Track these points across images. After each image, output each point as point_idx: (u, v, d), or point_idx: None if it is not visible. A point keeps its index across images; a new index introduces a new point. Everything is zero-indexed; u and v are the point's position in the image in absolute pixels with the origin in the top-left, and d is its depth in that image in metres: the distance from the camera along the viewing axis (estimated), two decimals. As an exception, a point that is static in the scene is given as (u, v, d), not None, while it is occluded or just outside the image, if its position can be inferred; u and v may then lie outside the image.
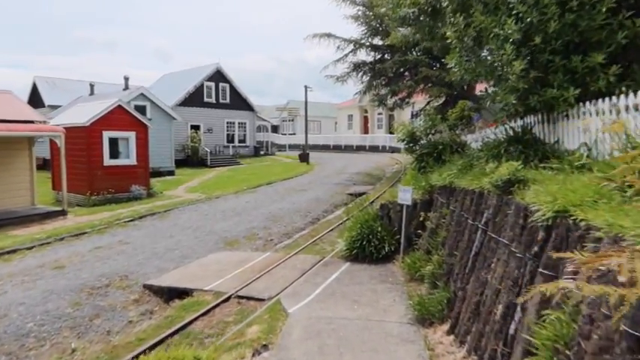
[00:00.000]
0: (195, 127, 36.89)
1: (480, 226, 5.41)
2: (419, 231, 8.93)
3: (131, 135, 19.24)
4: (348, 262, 8.90)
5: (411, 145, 12.80)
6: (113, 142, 18.83)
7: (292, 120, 59.65)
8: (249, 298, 7.35)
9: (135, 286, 8.49)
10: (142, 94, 28.87)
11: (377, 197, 16.45)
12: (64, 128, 18.86)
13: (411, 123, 13.45)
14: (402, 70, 24.06)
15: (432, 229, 7.84)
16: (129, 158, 19.24)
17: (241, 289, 7.70)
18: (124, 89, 31.04)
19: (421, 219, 8.93)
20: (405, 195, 8.51)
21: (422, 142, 12.67)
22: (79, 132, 18.05)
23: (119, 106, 18.95)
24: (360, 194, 18.06)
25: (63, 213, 15.15)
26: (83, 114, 18.98)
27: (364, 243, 8.87)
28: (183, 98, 36.17)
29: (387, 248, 8.83)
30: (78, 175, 18.46)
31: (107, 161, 18.48)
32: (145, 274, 9.02)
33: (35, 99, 38.65)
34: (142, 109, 28.72)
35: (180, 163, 33.67)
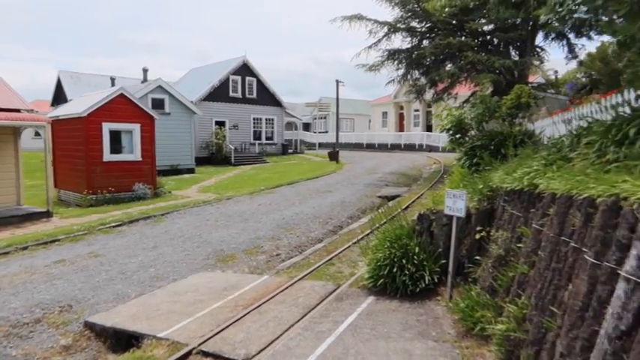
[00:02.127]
0: (220, 123, 34.98)
1: (624, 274, 2.70)
2: (475, 256, 6.21)
3: (135, 127, 17.19)
4: (371, 297, 6.27)
5: (459, 136, 10.05)
6: (115, 136, 16.82)
7: (324, 118, 57.25)
8: (216, 357, 4.84)
9: (74, 323, 6.15)
10: (159, 87, 27.04)
11: (412, 201, 13.70)
12: (60, 120, 17.10)
13: (459, 108, 10.64)
14: (442, 56, 21.09)
15: (500, 256, 5.10)
16: (132, 153, 17.19)
17: (210, 338, 5.20)
18: (143, 82, 29.37)
19: (477, 237, 6.21)
20: (456, 203, 5.80)
21: (472, 132, 9.89)
22: (76, 124, 16.14)
23: (121, 94, 16.94)
24: (393, 197, 15.35)
25: (47, 214, 13.17)
26: (81, 104, 17.08)
27: (395, 270, 6.21)
28: (207, 93, 34.31)
29: (427, 278, 6.15)
30: (75, 172, 16.59)
31: (107, 156, 16.49)
32: (95, 304, 6.68)
33: (59, 94, 37.79)
34: (159, 103, 26.97)
35: (203, 161, 31.89)
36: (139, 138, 17.34)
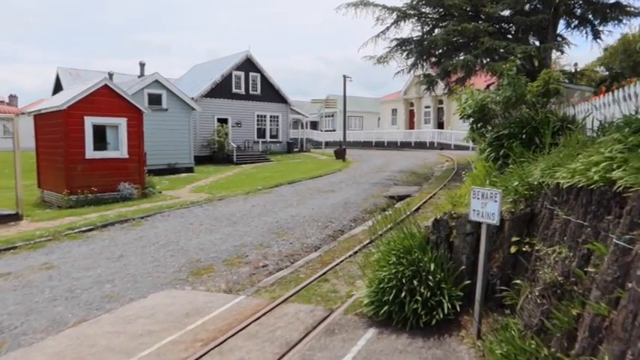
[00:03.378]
0: (223, 121, 33.61)
1: None
2: (510, 274, 4.67)
3: (121, 122, 15.80)
4: (371, 329, 4.74)
5: (481, 124, 8.47)
6: (99, 131, 15.45)
7: (332, 116, 55.71)
8: None
9: (-19, 364, 4.70)
10: (156, 82, 25.68)
11: (424, 202, 12.17)
12: (42, 114, 15.80)
13: (482, 91, 9.05)
14: (456, 44, 19.47)
15: (555, 283, 3.53)
16: (118, 150, 15.81)
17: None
18: (140, 76, 28.09)
19: (513, 250, 4.66)
20: (487, 205, 4.25)
21: (496, 120, 8.32)
22: (56, 118, 14.80)
23: (105, 86, 15.56)
24: (403, 197, 13.81)
25: (16, 217, 11.82)
26: (63, 96, 15.74)
27: (403, 294, 4.68)
28: (209, 89, 32.95)
29: (445, 306, 4.60)
30: (55, 171, 15.25)
31: (90, 153, 15.11)
32: (21, 335, 5.23)
33: (58, 90, 36.67)
34: (157, 98, 25.66)
35: (204, 160, 30.58)
36: (126, 133, 15.95)
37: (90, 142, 15.13)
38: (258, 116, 36.17)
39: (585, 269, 3.29)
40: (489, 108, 8.24)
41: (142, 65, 28.10)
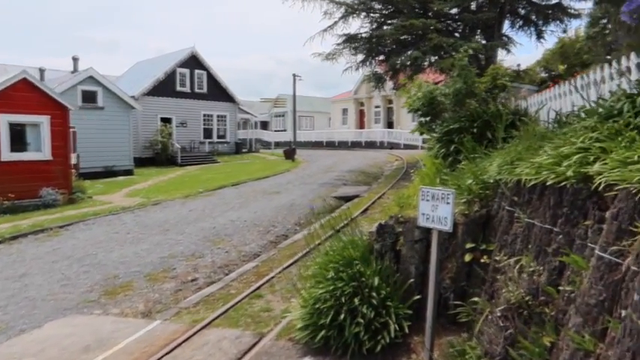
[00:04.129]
0: (166, 120, 31.93)
1: None
2: (464, 286, 4.04)
3: (43, 120, 14.24)
4: (307, 359, 3.96)
5: (429, 119, 7.92)
6: (17, 130, 13.85)
7: (282, 116, 54.66)
8: None
9: None
10: (91, 78, 23.79)
11: (373, 202, 11.58)
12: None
13: (431, 84, 8.51)
14: (404, 40, 19.17)
15: (522, 302, 2.86)
16: (40, 151, 14.24)
17: None
18: (73, 72, 26.07)
19: (467, 258, 4.03)
20: (438, 208, 3.57)
21: (446, 114, 7.79)
22: (-36, 115, 13.10)
23: (24, 80, 13.97)
24: (351, 198, 13.19)
25: None
26: (-28, 91, 13.99)
27: (342, 316, 3.92)
28: (151, 86, 31.20)
29: (392, 327, 3.89)
30: (-36, 175, 13.50)
31: (6, 155, 13.50)
32: None
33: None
34: (91, 96, 23.81)
35: (146, 162, 28.87)
36: (49, 133, 14.40)
37: (6, 142, 13.52)
38: (204, 116, 34.69)
39: (558, 286, 2.66)
40: (439, 101, 7.71)
41: (75, 60, 26.15)
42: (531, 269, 2.88)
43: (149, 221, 10.90)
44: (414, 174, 8.63)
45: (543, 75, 33.40)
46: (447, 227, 3.53)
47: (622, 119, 2.95)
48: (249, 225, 10.32)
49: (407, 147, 33.26)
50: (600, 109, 3.33)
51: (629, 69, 3.91)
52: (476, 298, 3.53)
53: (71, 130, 16.84)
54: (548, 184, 2.86)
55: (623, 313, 2.02)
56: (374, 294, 3.97)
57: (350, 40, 19.79)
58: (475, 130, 6.35)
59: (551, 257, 2.78)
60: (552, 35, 22.03)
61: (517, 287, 2.95)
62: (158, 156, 30.17)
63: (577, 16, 20.31)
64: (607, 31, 36.02)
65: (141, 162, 28.10)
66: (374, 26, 19.89)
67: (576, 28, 35.96)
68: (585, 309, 2.30)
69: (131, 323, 5.17)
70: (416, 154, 27.84)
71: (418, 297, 4.14)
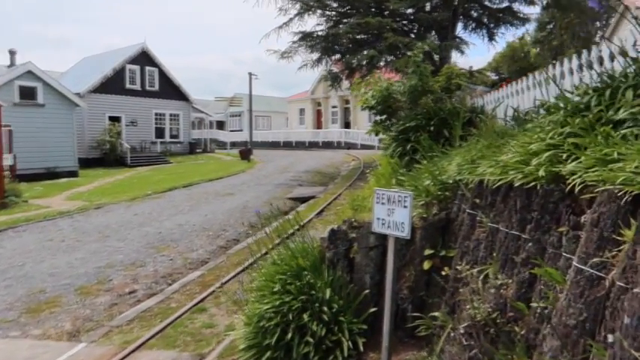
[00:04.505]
0: (115, 119, 30.45)
1: None
2: (424, 296, 3.72)
3: (-30, 117, 13.02)
4: (249, 384, 3.51)
5: (385, 117, 7.63)
6: (-62, 128, 12.57)
7: (239, 115, 53.52)
8: None
9: None
10: (30, 73, 22.19)
11: (329, 203, 11.25)
12: None
13: (386, 80, 8.23)
14: (360, 39, 19.02)
15: (487, 319, 2.54)
16: (-34, 152, 13.02)
17: None
18: (9, 66, 24.29)
19: (427, 266, 3.70)
20: (394, 212, 3.21)
21: (402, 113, 7.52)
22: None
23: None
24: (307, 199, 12.80)
25: None
26: None
27: (290, 335, 3.49)
28: (99, 83, 29.62)
29: (345, 345, 3.49)
30: None
31: None
32: None
33: None
34: (30, 92, 22.22)
35: (93, 162, 27.37)
36: (-24, 131, 13.18)
37: None
38: (156, 114, 33.34)
39: (529, 301, 2.34)
40: (394, 98, 7.42)
41: (13, 54, 24.31)
42: (498, 282, 2.56)
43: (88, 227, 10.06)
44: (370, 174, 8.32)
45: (494, 77, 34.51)
46: (405, 234, 3.17)
47: (591, 114, 2.69)
48: (198, 229, 9.72)
49: (364, 147, 33.29)
50: (565, 104, 3.07)
51: (601, 59, 3.70)
52: (436, 313, 3.18)
53: (5, 128, 15.59)
54: (516, 184, 2.54)
55: (610, 338, 1.71)
56: (325, 308, 3.56)
57: (306, 38, 19.43)
58: (432, 129, 6.09)
59: (520, 268, 2.47)
60: (503, 38, 22.64)
61: (482, 301, 2.62)
62: (106, 156, 28.69)
63: (526, 20, 20.91)
64: (553, 36, 37.53)
65: (87, 163, 26.61)
66: (330, 24, 19.61)
67: (524, 33, 37.39)
68: (563, 330, 1.98)
69: (51, 347, 4.53)
70: (372, 154, 27.82)
71: (374, 309, 3.77)
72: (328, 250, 4.01)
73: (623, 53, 3.31)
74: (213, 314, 5.10)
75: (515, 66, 37.88)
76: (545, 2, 19.99)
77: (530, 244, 2.44)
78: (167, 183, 17.36)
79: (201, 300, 5.47)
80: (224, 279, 6.20)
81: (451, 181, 3.90)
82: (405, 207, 3.14)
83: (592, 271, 1.91)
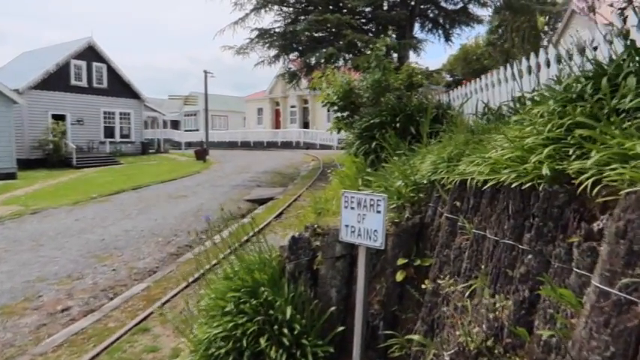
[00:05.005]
0: (59, 117, 28.63)
1: None
2: (397, 311, 3.30)
3: None
4: (196, 423, 2.97)
5: (347, 114, 7.22)
6: None
7: (194, 115, 51.97)
8: None
9: None
10: (-41, 67, 20.38)
11: (289, 205, 10.76)
12: None
13: (346, 73, 7.82)
14: (319, 36, 18.65)
15: (481, 347, 2.13)
16: None
17: None
18: (-64, 60, 22.26)
19: (400, 278, 3.28)
20: (366, 219, 2.76)
21: (364, 110, 7.14)
22: None
23: None
24: (265, 200, 12.25)
25: None
26: None
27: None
28: (40, 79, 27.79)
29: (310, 371, 3.02)
30: None
31: None
32: None
33: None
34: (-40, 88, 20.44)
35: (36, 164, 25.65)
36: None
37: None
38: (105, 113, 31.68)
39: (531, 326, 1.95)
40: (356, 94, 7.02)
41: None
42: (492, 300, 2.16)
43: (21, 234, 9.10)
44: (332, 174, 7.88)
45: (449, 79, 35.24)
46: (378, 243, 2.74)
47: (588, 103, 2.34)
48: (146, 235, 8.98)
49: (323, 147, 33.01)
50: (554, 94, 2.72)
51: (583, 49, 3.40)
52: (415, 336, 2.76)
53: None
54: (513, 185, 2.14)
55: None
56: (286, 330, 3.07)
57: (263, 35, 18.86)
58: (398, 125, 5.72)
59: (518, 284, 2.08)
60: (458, 38, 22.97)
61: (474, 324, 2.21)
62: (50, 157, 26.93)
63: (480, 21, 21.32)
64: (504, 38, 38.50)
65: (28, 164, 24.89)
66: (288, 21, 19.11)
67: (475, 36, 38.39)
68: (585, 368, 1.58)
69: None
70: (331, 154, 27.52)
71: (341, 329, 3.32)
72: (289, 260, 3.52)
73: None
74: (157, 335, 4.50)
75: (468, 68, 38.82)
76: (497, 4, 20.37)
77: (529, 256, 2.05)
78: (115, 185, 16.31)
79: (145, 318, 4.84)
80: (172, 292, 5.58)
81: (425, 182, 3.51)
82: (378, 212, 2.71)
83: (620, 294, 1.53)
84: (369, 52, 9.36)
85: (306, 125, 40.46)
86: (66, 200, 13.13)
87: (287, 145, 36.68)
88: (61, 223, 10.21)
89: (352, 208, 2.83)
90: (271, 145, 37.99)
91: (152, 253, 7.89)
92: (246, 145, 40.39)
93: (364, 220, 2.77)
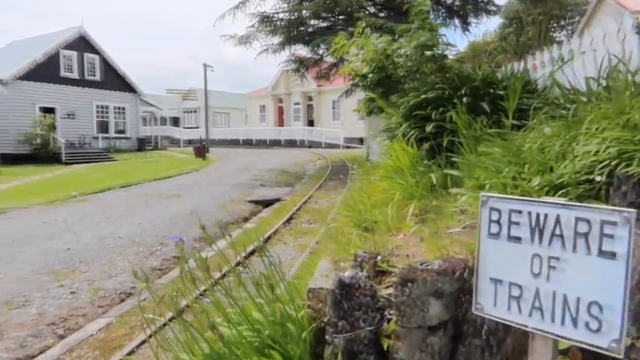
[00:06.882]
0: (48, 110, 26.96)
1: None
2: None
3: None
4: None
5: (382, 91, 5.50)
6: None
7: (195, 111, 50.25)
8: None
9: None
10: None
11: (298, 208, 9.08)
12: None
13: (381, 35, 6.08)
14: (328, 22, 16.99)
15: None
16: None
17: None
18: None
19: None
20: (568, 270, 1.07)
21: (407, 84, 5.44)
22: None
23: None
24: (270, 202, 10.57)
25: None
26: None
27: None
28: (27, 69, 26.11)
29: None
30: None
31: None
32: None
33: None
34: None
35: (23, 159, 24.11)
36: None
37: None
38: (98, 107, 30.01)
39: None
40: (395, 64, 5.31)
41: None
42: None
43: (-28, 241, 7.40)
44: (356, 171, 6.17)
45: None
46: (606, 340, 1.03)
47: None
48: (125, 243, 7.28)
49: (328, 146, 31.43)
50: None
51: None
52: None
53: None
54: None
55: None
56: None
57: (265, 21, 17.22)
58: (466, 100, 4.00)
59: None
60: (476, 28, 21.72)
61: None
62: (38, 152, 25.31)
63: (496, 12, 20.28)
64: (519, 32, 36.86)
65: (15, 159, 23.35)
66: (294, 2, 17.37)
67: (483, 33, 37.16)
68: None
69: None
70: (339, 152, 25.90)
71: None
72: (334, 329, 1.81)
73: None
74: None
75: (477, 64, 37.38)
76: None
77: None
78: (103, 182, 14.65)
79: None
80: (141, 335, 3.87)
81: (592, 176, 1.82)
82: (610, 254, 1.01)
83: None
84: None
85: (310, 123, 38.75)
86: (40, 199, 11.45)
87: (291, 144, 35.04)
88: (25, 226, 8.53)
89: (516, 238, 1.14)
90: (274, 144, 36.34)
91: (128, 267, 6.17)
92: (248, 144, 38.74)
93: (558, 272, 1.08)
